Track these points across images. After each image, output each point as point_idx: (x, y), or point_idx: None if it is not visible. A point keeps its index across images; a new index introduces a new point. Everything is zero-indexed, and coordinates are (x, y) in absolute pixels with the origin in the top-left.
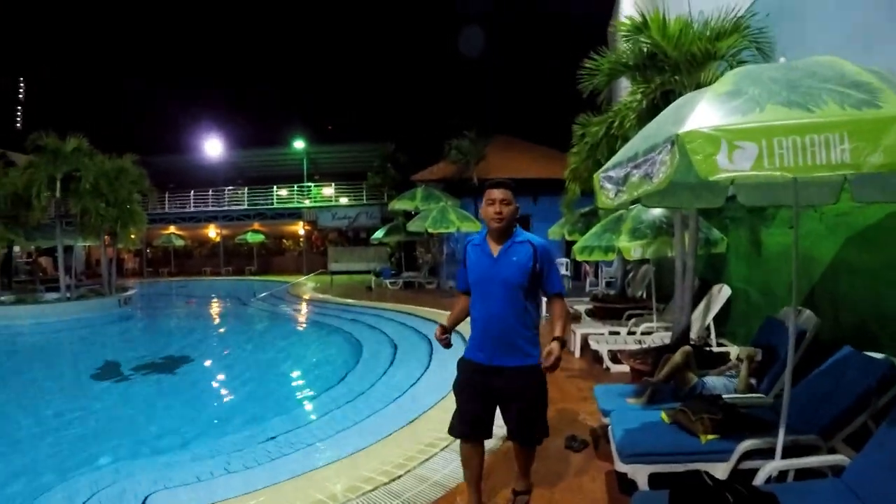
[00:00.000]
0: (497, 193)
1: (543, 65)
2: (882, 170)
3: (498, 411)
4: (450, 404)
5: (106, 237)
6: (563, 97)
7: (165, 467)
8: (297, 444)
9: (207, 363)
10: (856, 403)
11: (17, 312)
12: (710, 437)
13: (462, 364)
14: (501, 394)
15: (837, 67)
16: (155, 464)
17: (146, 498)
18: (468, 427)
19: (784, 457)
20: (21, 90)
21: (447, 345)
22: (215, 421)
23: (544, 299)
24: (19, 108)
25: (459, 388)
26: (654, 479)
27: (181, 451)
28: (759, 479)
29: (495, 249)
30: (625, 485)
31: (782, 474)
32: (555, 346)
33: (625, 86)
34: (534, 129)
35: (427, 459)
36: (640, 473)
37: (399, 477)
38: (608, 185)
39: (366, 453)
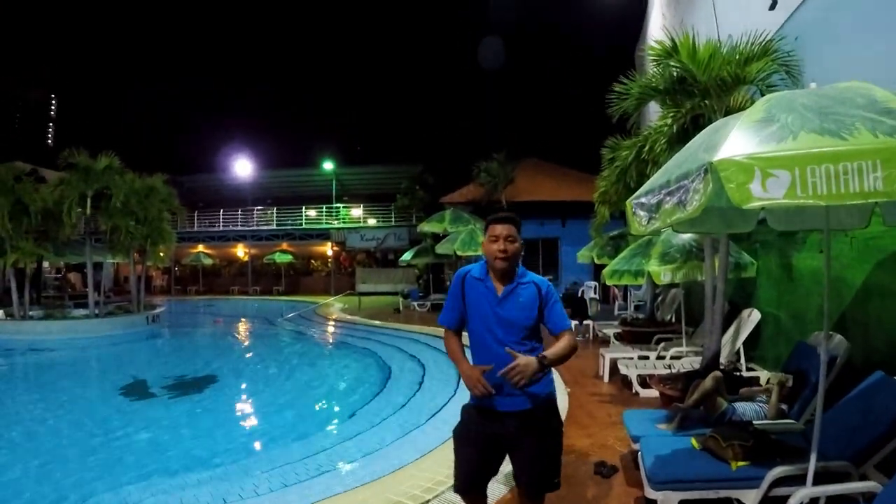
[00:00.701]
0: (501, 229)
1: (572, 88)
2: None
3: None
4: None
5: (135, 254)
6: (591, 120)
7: (194, 486)
8: (324, 465)
9: (235, 383)
10: (888, 429)
11: (46, 328)
12: (740, 463)
13: (466, 410)
14: (511, 439)
15: (868, 94)
16: (184, 483)
17: None
18: (468, 482)
19: (815, 483)
20: (53, 107)
21: (490, 390)
22: (243, 440)
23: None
24: (51, 124)
25: (461, 438)
26: None
27: (209, 470)
28: None
29: (499, 288)
30: None
31: (813, 501)
32: (532, 360)
33: (654, 109)
34: (562, 152)
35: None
36: (670, 500)
37: (427, 501)
38: (641, 212)
39: (394, 476)
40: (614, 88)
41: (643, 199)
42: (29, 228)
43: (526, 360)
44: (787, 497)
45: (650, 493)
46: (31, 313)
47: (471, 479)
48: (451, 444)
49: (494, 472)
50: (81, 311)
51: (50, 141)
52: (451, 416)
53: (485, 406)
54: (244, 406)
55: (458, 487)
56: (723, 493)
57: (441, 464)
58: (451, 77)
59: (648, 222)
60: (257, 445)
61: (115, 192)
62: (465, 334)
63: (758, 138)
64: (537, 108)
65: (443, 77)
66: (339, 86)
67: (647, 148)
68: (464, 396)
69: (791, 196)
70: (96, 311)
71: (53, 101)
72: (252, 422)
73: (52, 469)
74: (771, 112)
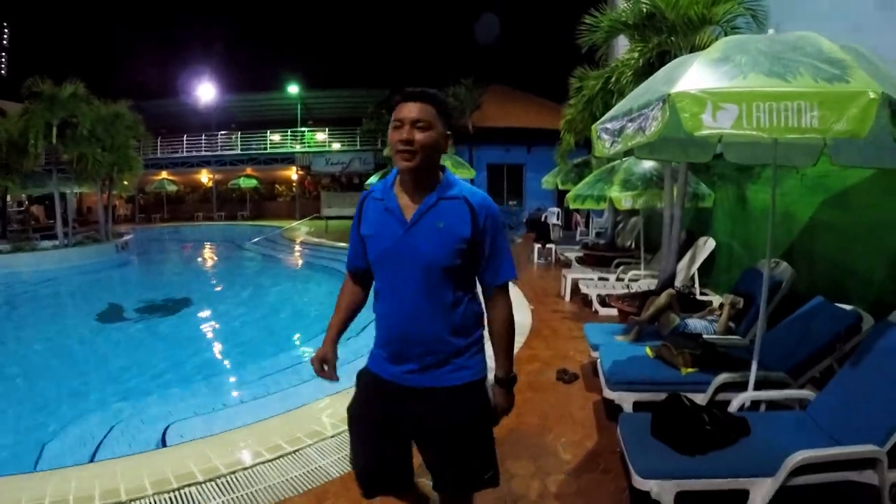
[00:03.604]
0: (409, 110)
1: (541, 15)
2: (844, 136)
3: None
4: None
5: (101, 183)
6: (559, 49)
7: (179, 400)
8: (295, 379)
9: (208, 304)
10: (823, 347)
11: (17, 261)
12: (689, 370)
13: (363, 379)
14: (421, 427)
15: (817, 43)
16: (169, 397)
17: (166, 428)
18: (373, 480)
19: (756, 390)
20: (5, 36)
21: (331, 377)
22: (220, 358)
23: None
24: (3, 54)
25: (356, 419)
26: (637, 407)
27: (191, 385)
28: (732, 407)
29: (409, 209)
30: (611, 412)
31: (755, 405)
32: (503, 398)
33: (623, 44)
34: (529, 79)
35: None
36: (625, 400)
37: None
38: (605, 136)
39: None
40: (584, 20)
41: (607, 125)
42: None
43: (494, 401)
44: (730, 402)
45: (608, 394)
46: None
47: (374, 476)
48: None
49: (407, 466)
50: (50, 243)
51: (3, 71)
52: None
53: (383, 377)
54: (218, 325)
55: (361, 487)
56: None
57: None
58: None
59: (611, 146)
60: (233, 360)
61: (81, 120)
62: None
63: (713, 75)
64: (507, 33)
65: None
66: (304, 6)
67: (613, 79)
68: None
69: (737, 127)
70: (66, 242)
71: (6, 30)
72: (225, 340)
73: (38, 391)
74: (727, 53)
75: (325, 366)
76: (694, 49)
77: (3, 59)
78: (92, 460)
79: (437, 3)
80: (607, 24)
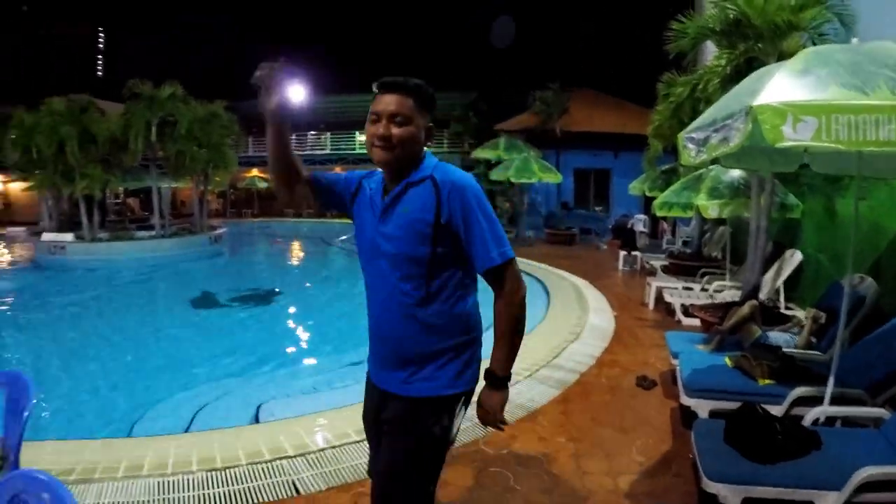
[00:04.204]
0: (386, 103)
1: (628, 19)
2: None
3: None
4: (529, 340)
5: (197, 179)
6: (647, 53)
7: (272, 382)
8: None
9: (297, 296)
10: None
11: (116, 248)
12: (767, 381)
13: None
14: (380, 424)
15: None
16: (261, 379)
17: (259, 406)
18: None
19: (832, 405)
20: (101, 40)
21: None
22: (308, 346)
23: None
24: (100, 57)
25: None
26: (713, 415)
27: (282, 369)
28: (806, 421)
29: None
30: (688, 419)
31: (829, 421)
32: (486, 396)
33: (711, 49)
34: (616, 83)
35: (511, 385)
36: (702, 407)
37: None
38: (691, 146)
39: None
40: (672, 26)
41: (693, 134)
42: (96, 156)
43: (480, 397)
44: (804, 416)
45: (685, 401)
46: (100, 235)
47: (371, 476)
48: None
49: None
50: (147, 233)
51: (99, 73)
52: None
53: (370, 377)
54: (306, 316)
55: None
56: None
57: None
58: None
59: (697, 155)
60: (323, 348)
61: (179, 119)
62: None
63: (794, 87)
64: (593, 38)
65: (499, 3)
66: (395, 11)
67: (700, 86)
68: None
69: (817, 139)
70: (162, 233)
71: (101, 35)
72: (314, 330)
73: (132, 368)
74: (809, 64)
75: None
76: (781, 55)
77: (100, 62)
78: (187, 430)
79: (524, 8)
80: (694, 30)
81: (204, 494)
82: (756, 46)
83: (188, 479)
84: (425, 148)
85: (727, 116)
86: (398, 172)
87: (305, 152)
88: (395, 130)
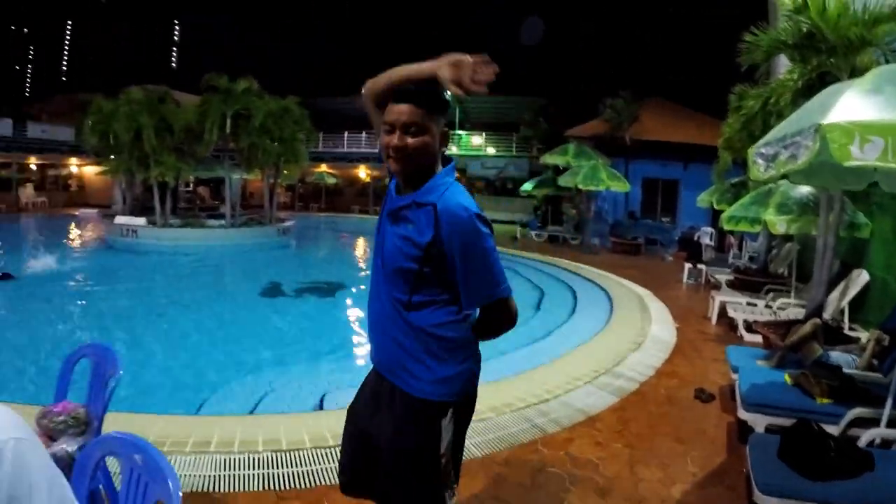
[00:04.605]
0: (399, 112)
1: (700, 28)
2: None
3: None
4: (591, 347)
5: (267, 171)
6: (717, 63)
7: (337, 371)
8: None
9: (363, 289)
10: None
11: (187, 235)
12: (825, 400)
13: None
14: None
15: None
16: (325, 368)
17: (323, 395)
18: (345, 468)
19: (888, 428)
20: (176, 33)
21: None
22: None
23: None
24: (174, 49)
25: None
26: (770, 430)
27: (346, 360)
28: (861, 442)
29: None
30: (743, 434)
31: (885, 444)
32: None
33: (783, 62)
34: (687, 93)
35: (571, 390)
36: (758, 423)
37: (547, 401)
38: (760, 161)
39: (517, 380)
40: (745, 38)
41: (763, 150)
42: (171, 145)
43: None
44: (860, 437)
45: (742, 415)
46: (171, 222)
47: (349, 466)
48: (569, 358)
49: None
50: (217, 222)
51: (174, 64)
52: (569, 333)
53: (375, 367)
54: None
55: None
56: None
57: (558, 372)
58: (582, 10)
59: (766, 170)
60: None
61: (254, 112)
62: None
63: (863, 106)
64: (664, 47)
65: (573, 9)
66: (465, 13)
67: (772, 100)
68: (579, 318)
69: (883, 160)
70: (232, 222)
71: (176, 27)
72: None
73: (201, 349)
74: (878, 84)
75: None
76: (854, 71)
77: (174, 54)
78: (253, 412)
79: (596, 15)
80: (767, 42)
81: (269, 473)
82: (829, 61)
83: (254, 458)
84: (442, 150)
85: (796, 133)
86: (413, 179)
87: (374, 150)
88: (410, 141)
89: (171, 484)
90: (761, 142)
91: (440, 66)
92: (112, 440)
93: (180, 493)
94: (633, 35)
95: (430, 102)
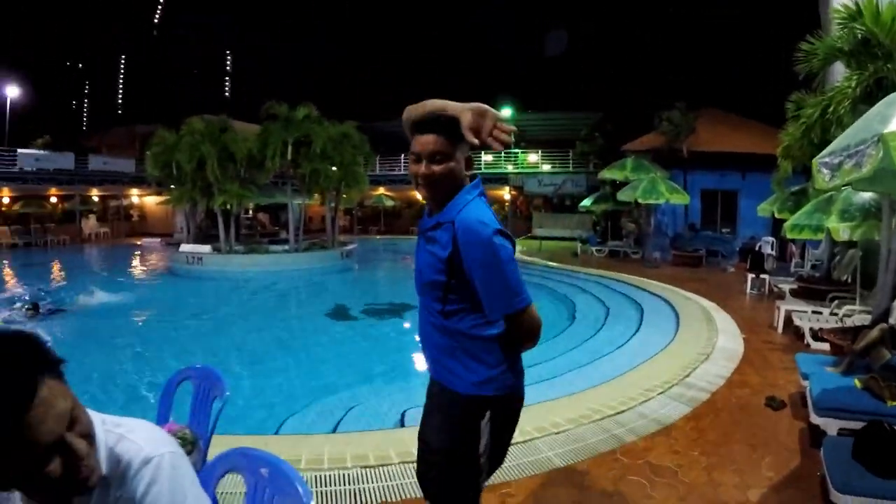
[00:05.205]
0: (423, 143)
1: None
2: None
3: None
4: (661, 359)
5: (328, 195)
6: (772, 71)
7: (414, 388)
8: (527, 380)
9: None
10: None
11: (252, 261)
12: (895, 403)
13: None
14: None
15: None
16: (401, 386)
17: (404, 412)
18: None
19: None
20: (228, 62)
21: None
22: None
23: None
24: (227, 78)
25: None
26: (841, 434)
27: (421, 377)
28: None
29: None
30: (815, 439)
31: None
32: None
33: (839, 70)
34: (742, 102)
35: (646, 401)
36: (830, 426)
37: (622, 412)
38: (825, 170)
39: (592, 392)
40: (801, 47)
41: (826, 159)
42: (234, 173)
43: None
44: None
45: (814, 419)
46: (236, 248)
47: (418, 470)
48: (640, 370)
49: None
50: (281, 247)
51: (227, 93)
52: (638, 346)
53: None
54: None
55: None
56: None
57: (631, 384)
58: (634, 24)
59: (830, 179)
60: None
61: (314, 139)
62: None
63: None
64: (718, 57)
65: (625, 24)
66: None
67: (831, 108)
68: (646, 332)
69: None
70: (295, 247)
71: (229, 57)
72: None
73: (276, 371)
74: None
75: None
76: None
77: (227, 83)
78: (334, 431)
79: (649, 28)
80: (823, 51)
81: (359, 489)
82: (885, 66)
83: (343, 474)
84: (467, 174)
85: (860, 143)
86: (441, 202)
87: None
88: (436, 168)
89: (301, 492)
90: (825, 152)
91: (464, 111)
92: (237, 455)
93: (312, 501)
94: (685, 45)
95: (453, 131)
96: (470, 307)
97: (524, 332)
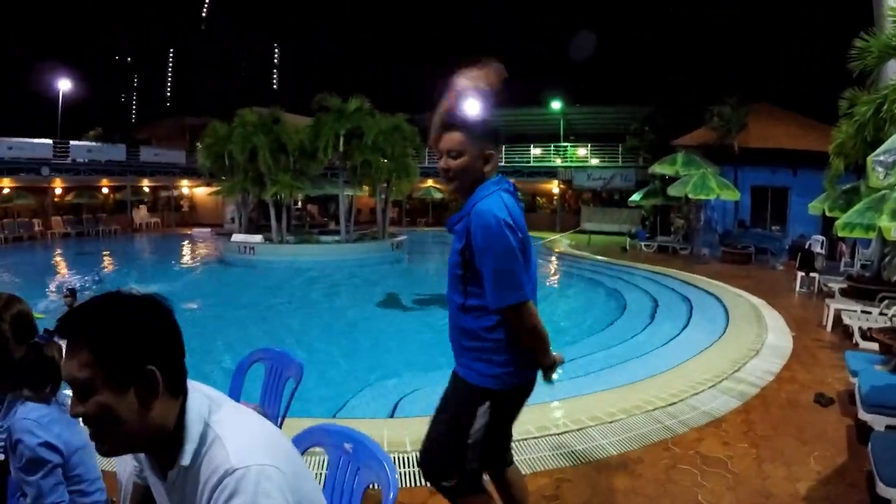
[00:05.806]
0: (442, 142)
1: (806, 32)
2: None
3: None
4: (711, 353)
5: (379, 187)
6: (824, 67)
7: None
8: (579, 371)
9: None
10: None
11: (303, 251)
12: None
13: None
14: None
15: None
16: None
17: None
18: None
19: None
20: (276, 55)
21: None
22: None
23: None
24: (275, 71)
25: None
26: (890, 430)
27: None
28: None
29: None
30: (863, 435)
31: None
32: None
33: (893, 69)
34: (794, 98)
35: (696, 393)
36: (878, 423)
37: (674, 403)
38: (879, 168)
39: (643, 384)
40: (855, 44)
41: (881, 157)
42: (286, 164)
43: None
44: None
45: (862, 416)
46: (288, 239)
47: None
48: (691, 364)
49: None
50: (332, 237)
51: (275, 85)
52: (688, 341)
53: None
54: None
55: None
56: None
57: (682, 377)
58: (684, 16)
59: (885, 177)
60: None
61: (366, 131)
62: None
63: None
64: (771, 52)
65: (676, 16)
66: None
67: (885, 106)
68: (695, 327)
69: None
70: (346, 238)
71: (276, 50)
72: None
73: (330, 361)
74: None
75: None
76: None
77: (275, 75)
78: (392, 416)
79: (700, 22)
80: (878, 48)
81: (418, 471)
82: None
83: (403, 457)
84: (489, 170)
85: None
86: (463, 195)
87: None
88: (452, 163)
89: (386, 467)
90: (880, 150)
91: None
92: (320, 431)
93: (396, 475)
94: (737, 40)
95: (468, 128)
96: (486, 306)
97: (522, 330)
